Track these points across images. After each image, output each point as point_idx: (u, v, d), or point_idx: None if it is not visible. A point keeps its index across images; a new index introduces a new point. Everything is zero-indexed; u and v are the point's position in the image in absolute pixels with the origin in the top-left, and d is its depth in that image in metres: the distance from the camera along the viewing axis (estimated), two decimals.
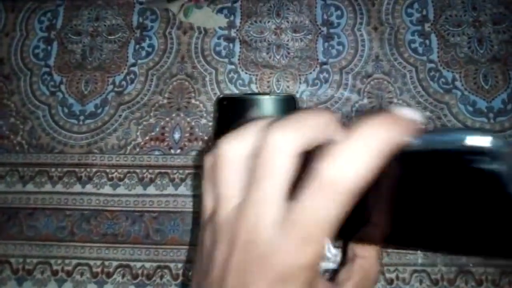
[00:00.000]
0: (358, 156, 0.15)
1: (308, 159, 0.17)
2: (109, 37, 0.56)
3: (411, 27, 0.53)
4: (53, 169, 0.51)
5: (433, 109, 0.50)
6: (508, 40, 0.51)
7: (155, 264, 0.47)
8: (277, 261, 0.16)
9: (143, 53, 0.55)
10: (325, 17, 0.55)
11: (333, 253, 0.47)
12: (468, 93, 0.50)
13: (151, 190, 0.49)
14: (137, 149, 0.51)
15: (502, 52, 0.51)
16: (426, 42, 0.52)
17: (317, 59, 0.53)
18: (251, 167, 0.18)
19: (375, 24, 0.54)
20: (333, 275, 0.22)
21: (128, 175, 0.50)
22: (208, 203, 0.20)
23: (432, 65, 0.51)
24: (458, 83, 0.50)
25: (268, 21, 0.55)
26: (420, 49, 0.52)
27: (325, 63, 0.53)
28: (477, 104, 0.49)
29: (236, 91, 0.52)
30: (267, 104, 0.49)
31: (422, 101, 0.50)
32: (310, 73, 0.52)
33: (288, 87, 0.52)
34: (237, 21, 0.55)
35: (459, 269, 0.44)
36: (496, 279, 0.44)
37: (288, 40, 0.54)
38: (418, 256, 0.45)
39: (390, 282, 0.45)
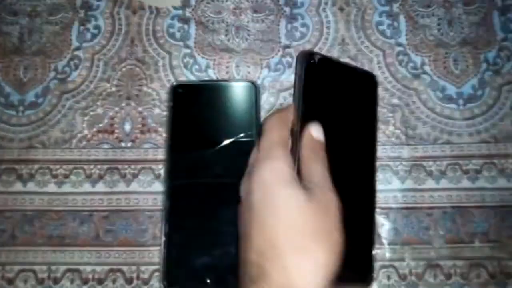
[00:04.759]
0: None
1: None
2: (50, 18, 0.51)
3: (378, 8, 0.50)
4: None
5: (401, 96, 0.47)
6: (478, 22, 0.49)
7: (106, 268, 0.43)
8: None
9: (88, 36, 0.50)
10: None
11: None
12: (437, 78, 0.48)
13: (100, 187, 0.45)
14: (84, 143, 0.47)
15: (473, 35, 0.49)
16: (395, 24, 0.49)
17: (280, 42, 0.49)
18: None
19: (341, 4, 0.50)
20: None
21: (75, 171, 0.46)
22: None
23: (401, 48, 0.49)
24: (427, 68, 0.48)
25: (227, 0, 0.51)
26: (388, 32, 0.49)
27: (288, 47, 0.49)
28: (447, 90, 0.47)
29: (192, 78, 0.48)
30: (226, 92, 0.45)
31: (390, 88, 0.47)
32: (272, 57, 0.49)
33: (248, 72, 0.48)
34: (193, 0, 0.51)
35: (427, 263, 0.43)
36: (464, 273, 0.43)
37: (248, 21, 0.50)
38: (385, 251, 0.43)
39: None
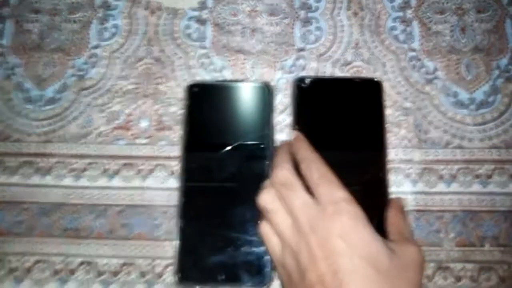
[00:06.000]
0: None
1: None
2: (70, 16, 0.52)
3: (392, 13, 0.51)
4: (8, 159, 0.47)
5: (413, 100, 0.48)
6: (491, 29, 0.50)
7: (121, 261, 0.44)
8: None
9: (107, 34, 0.51)
10: None
11: None
12: (449, 83, 0.48)
13: (116, 182, 0.46)
14: (100, 138, 0.47)
15: (485, 42, 0.49)
16: (408, 30, 0.50)
17: (294, 45, 0.50)
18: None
19: (355, 9, 0.51)
20: None
21: (91, 165, 0.47)
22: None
23: (413, 53, 0.49)
24: (439, 73, 0.49)
25: (243, 3, 0.52)
26: (401, 37, 0.50)
27: (302, 49, 0.50)
28: (459, 96, 0.48)
29: (208, 78, 0.49)
30: (241, 92, 0.46)
31: (403, 91, 0.48)
32: (286, 59, 0.50)
33: (263, 74, 0.49)
34: (209, 2, 0.52)
35: (437, 265, 0.43)
36: (474, 276, 0.43)
37: (263, 24, 0.51)
38: None
39: None
